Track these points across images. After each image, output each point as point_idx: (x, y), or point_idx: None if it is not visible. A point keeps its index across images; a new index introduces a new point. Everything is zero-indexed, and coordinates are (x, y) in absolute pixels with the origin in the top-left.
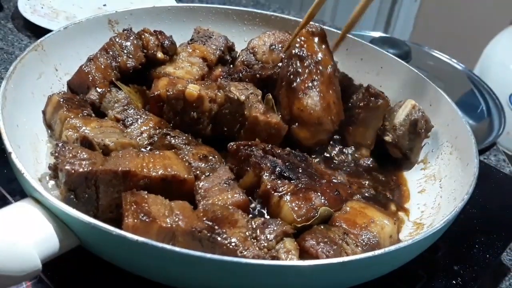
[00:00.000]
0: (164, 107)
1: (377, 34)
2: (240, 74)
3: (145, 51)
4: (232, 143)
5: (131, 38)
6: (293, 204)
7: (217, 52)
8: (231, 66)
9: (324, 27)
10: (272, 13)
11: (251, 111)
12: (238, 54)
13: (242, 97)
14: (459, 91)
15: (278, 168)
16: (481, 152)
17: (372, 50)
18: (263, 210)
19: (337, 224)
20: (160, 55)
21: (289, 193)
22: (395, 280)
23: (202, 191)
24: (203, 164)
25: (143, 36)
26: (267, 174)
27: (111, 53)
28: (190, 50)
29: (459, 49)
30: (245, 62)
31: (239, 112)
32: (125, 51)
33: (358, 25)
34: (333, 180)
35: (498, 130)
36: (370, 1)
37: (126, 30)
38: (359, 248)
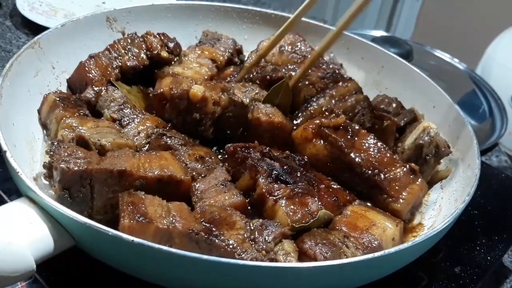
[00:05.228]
0: (167, 106)
1: (378, 33)
2: (251, 75)
3: (148, 53)
4: (229, 144)
5: (136, 41)
6: (288, 209)
7: (226, 54)
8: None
9: (326, 26)
10: (272, 12)
11: (253, 112)
12: (246, 57)
13: (246, 100)
14: (461, 91)
15: (274, 172)
16: (483, 153)
17: (374, 49)
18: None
19: (337, 227)
20: (164, 53)
21: (284, 197)
22: (396, 283)
23: (199, 192)
24: (199, 165)
25: (146, 39)
26: (263, 177)
27: (113, 53)
28: (199, 52)
29: (461, 49)
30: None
31: (243, 115)
32: (128, 52)
33: (358, 24)
34: (332, 186)
35: (500, 131)
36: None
37: (131, 34)
38: (360, 251)
